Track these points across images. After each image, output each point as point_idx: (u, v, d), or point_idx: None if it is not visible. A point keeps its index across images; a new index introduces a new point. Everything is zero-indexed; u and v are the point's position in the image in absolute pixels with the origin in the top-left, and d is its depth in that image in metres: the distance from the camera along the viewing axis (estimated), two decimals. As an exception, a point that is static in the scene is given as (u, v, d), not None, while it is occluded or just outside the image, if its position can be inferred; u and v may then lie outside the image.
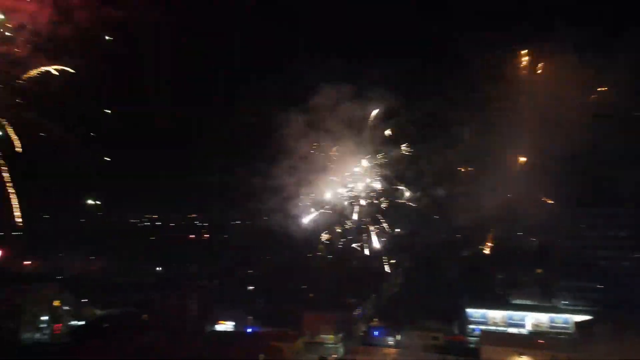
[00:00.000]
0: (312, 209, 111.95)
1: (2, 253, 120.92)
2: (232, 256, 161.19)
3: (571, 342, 72.42)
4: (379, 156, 79.16)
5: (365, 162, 78.36)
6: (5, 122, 63.64)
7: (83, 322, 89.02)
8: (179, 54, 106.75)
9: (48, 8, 58.81)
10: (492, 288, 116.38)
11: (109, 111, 79.74)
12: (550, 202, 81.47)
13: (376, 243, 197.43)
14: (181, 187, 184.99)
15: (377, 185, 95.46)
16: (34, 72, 61.82)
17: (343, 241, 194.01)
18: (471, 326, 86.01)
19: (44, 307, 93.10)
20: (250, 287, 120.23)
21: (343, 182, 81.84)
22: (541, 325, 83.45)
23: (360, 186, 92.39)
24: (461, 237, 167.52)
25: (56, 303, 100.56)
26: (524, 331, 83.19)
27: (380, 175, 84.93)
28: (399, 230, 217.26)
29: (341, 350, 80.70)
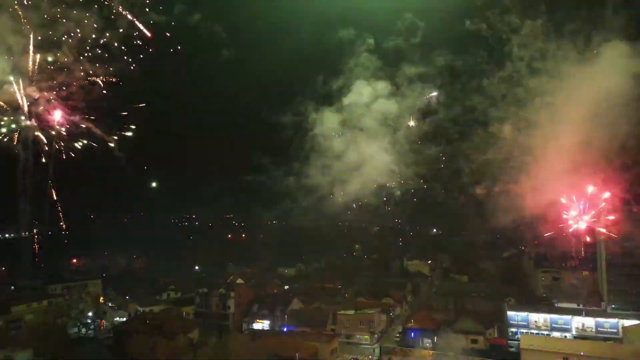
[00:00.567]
0: (348, 210, 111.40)
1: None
2: (270, 256, 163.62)
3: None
4: (415, 155, 77.24)
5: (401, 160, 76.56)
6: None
7: (126, 318, 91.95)
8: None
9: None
10: (535, 290, 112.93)
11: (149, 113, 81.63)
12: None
13: (413, 244, 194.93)
14: (219, 188, 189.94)
15: (415, 184, 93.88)
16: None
17: (379, 241, 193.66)
18: (512, 329, 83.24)
19: (89, 303, 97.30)
20: (286, 287, 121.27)
21: (380, 181, 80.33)
22: (587, 329, 79.84)
23: (397, 185, 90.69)
24: (502, 237, 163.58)
25: (101, 300, 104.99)
26: (568, 336, 79.77)
27: (418, 174, 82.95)
28: (437, 230, 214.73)
29: (377, 351, 79.93)
